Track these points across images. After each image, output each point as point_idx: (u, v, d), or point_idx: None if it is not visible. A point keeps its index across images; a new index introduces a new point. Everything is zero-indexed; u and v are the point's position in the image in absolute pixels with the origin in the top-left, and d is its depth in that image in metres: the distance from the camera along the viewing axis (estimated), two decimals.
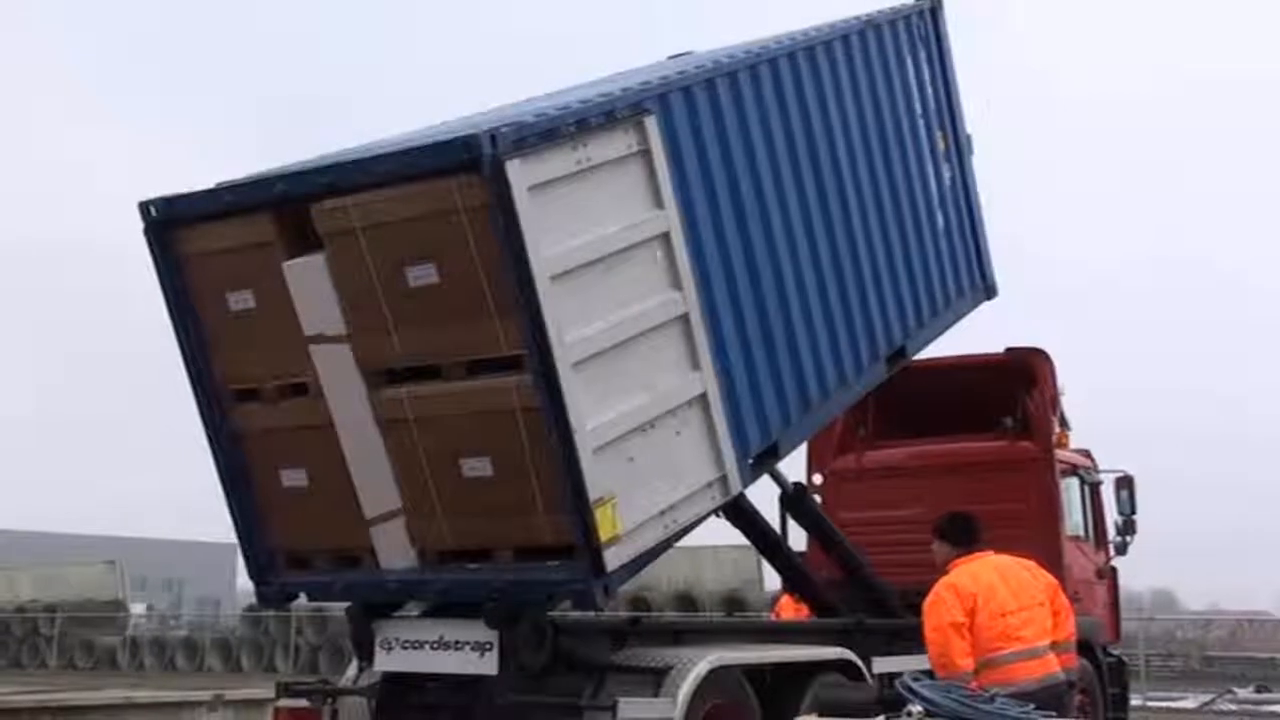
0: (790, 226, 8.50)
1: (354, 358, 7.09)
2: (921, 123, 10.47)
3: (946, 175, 10.81)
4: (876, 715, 6.13)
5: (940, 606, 6.98)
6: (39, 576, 40.91)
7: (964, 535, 7.36)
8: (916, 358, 11.44)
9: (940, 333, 10.62)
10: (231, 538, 7.93)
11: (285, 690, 8.28)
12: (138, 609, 42.22)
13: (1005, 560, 7.28)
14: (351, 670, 8.19)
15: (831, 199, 9.00)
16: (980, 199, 11.36)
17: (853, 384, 9.24)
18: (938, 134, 10.72)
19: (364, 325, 6.99)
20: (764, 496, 9.46)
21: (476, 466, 6.92)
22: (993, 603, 6.97)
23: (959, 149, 11.04)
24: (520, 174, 6.44)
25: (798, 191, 8.61)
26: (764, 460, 8.28)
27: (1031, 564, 7.40)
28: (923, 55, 10.61)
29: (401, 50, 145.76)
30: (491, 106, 9.17)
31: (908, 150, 10.18)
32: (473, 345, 6.78)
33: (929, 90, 10.66)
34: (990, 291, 11.51)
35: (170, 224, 7.45)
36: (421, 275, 6.72)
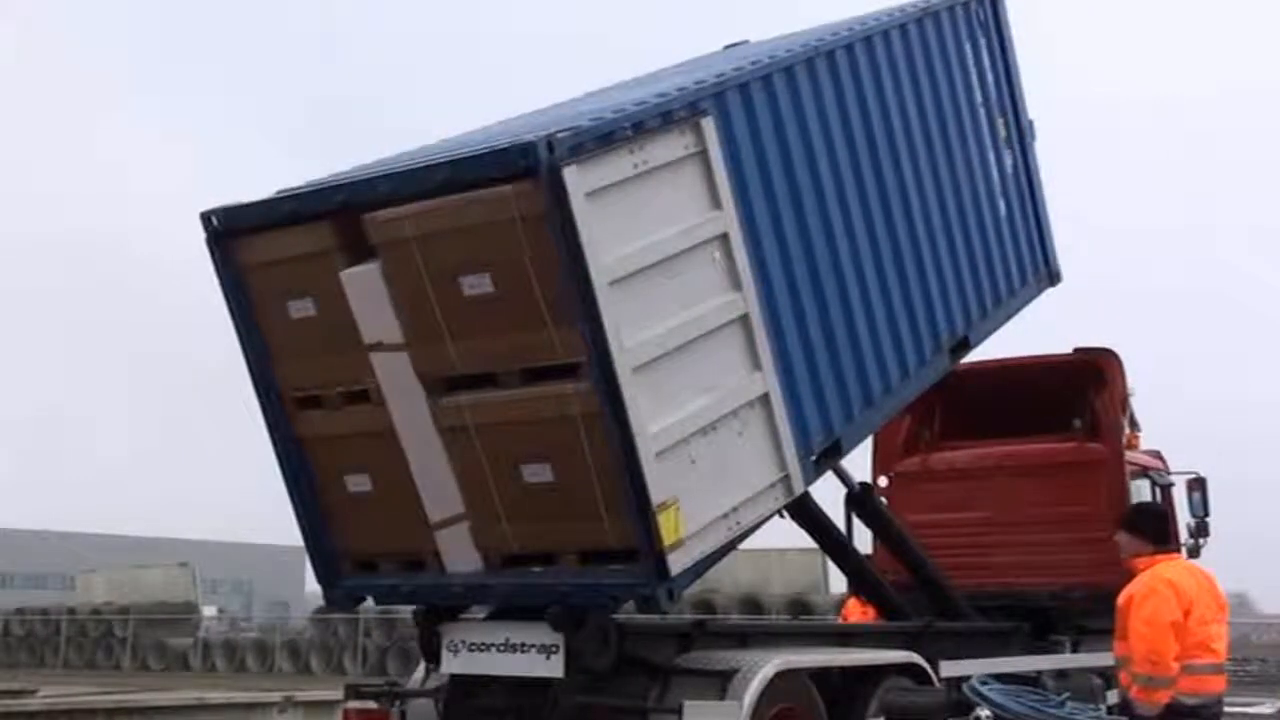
0: (850, 221, 8.40)
1: (412, 366, 7.13)
2: (982, 110, 10.30)
3: (1008, 162, 10.64)
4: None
5: (1161, 602, 6.64)
6: (114, 579, 41.72)
7: (1162, 533, 7.02)
8: (983, 358, 11.33)
9: (1004, 322, 10.45)
10: (300, 541, 8.02)
11: (354, 692, 8.35)
12: (209, 611, 42.85)
13: (1195, 566, 7.00)
14: (419, 672, 8.24)
15: (891, 191, 8.89)
16: (1043, 184, 11.18)
17: (915, 377, 9.13)
18: (999, 120, 10.54)
19: (420, 334, 7.00)
20: (830, 497, 9.43)
21: (538, 472, 6.92)
22: (1200, 608, 6.71)
23: (1021, 135, 10.86)
24: (578, 180, 6.40)
25: (857, 186, 8.51)
26: (827, 458, 8.20)
27: (1211, 575, 7.11)
28: (982, 41, 10.43)
29: (429, 50, 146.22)
30: (539, 106, 9.09)
31: (968, 138, 10.03)
32: (529, 353, 6.77)
33: (989, 76, 10.48)
34: (1054, 278, 11.31)
35: (231, 233, 7.52)
36: (476, 284, 6.71)
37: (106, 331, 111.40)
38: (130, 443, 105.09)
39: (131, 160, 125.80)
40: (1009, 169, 10.64)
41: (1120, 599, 6.82)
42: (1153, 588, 6.73)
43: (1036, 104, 11.14)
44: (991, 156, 10.37)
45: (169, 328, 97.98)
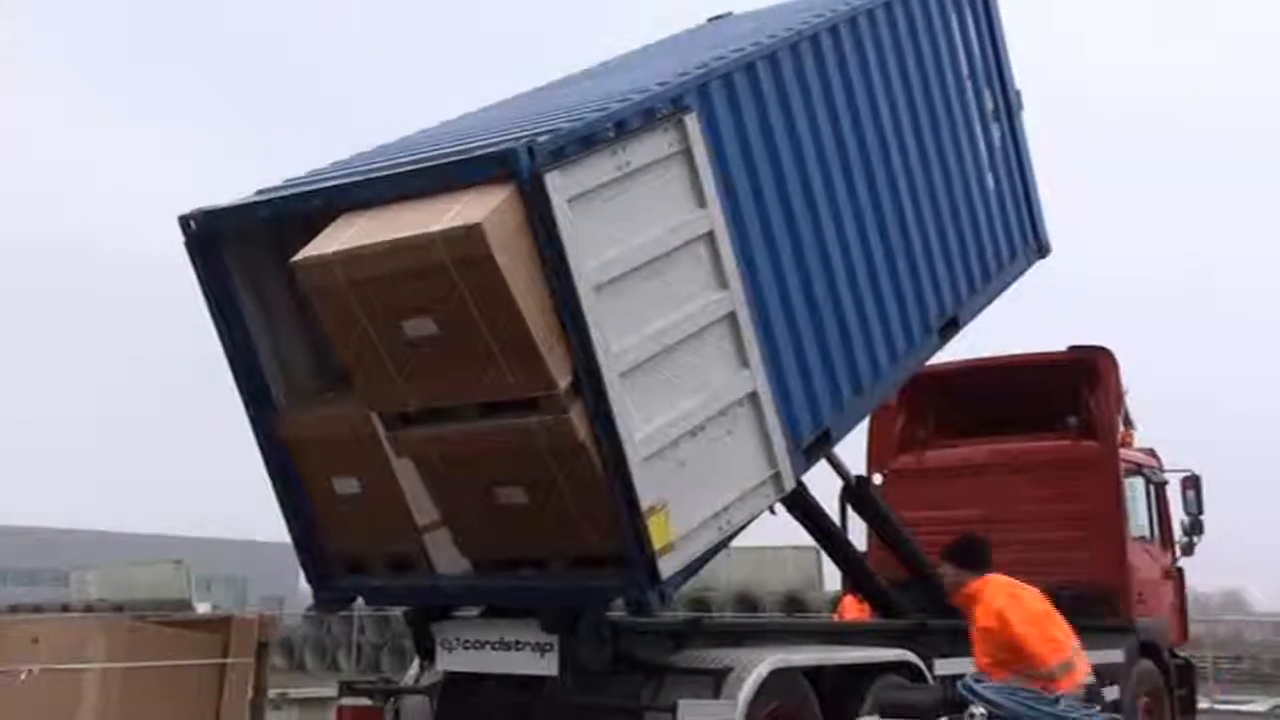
0: (837, 208, 8.31)
1: (361, 400, 7.08)
2: (969, 84, 10.17)
3: (996, 135, 10.52)
4: (939, 717, 6.08)
5: (1022, 602, 6.72)
6: (107, 576, 41.62)
7: (983, 558, 7.08)
8: (978, 356, 11.34)
9: (993, 298, 10.36)
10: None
11: (348, 689, 8.37)
12: (203, 608, 42.78)
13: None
14: (413, 669, 8.24)
15: (878, 175, 8.78)
16: (1031, 156, 11.08)
17: (904, 361, 9.06)
18: (986, 93, 10.41)
19: (366, 372, 6.87)
20: (828, 492, 9.43)
21: (511, 494, 6.86)
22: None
23: (1008, 106, 10.74)
24: (560, 185, 6.31)
25: (843, 171, 8.41)
26: (817, 448, 8.16)
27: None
28: (968, 13, 10.29)
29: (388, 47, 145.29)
30: (514, 95, 9.01)
31: (955, 114, 9.90)
32: (484, 390, 6.62)
33: (975, 49, 10.34)
34: (1043, 250, 11.24)
35: (211, 236, 7.46)
36: (419, 327, 6.51)
37: (101, 330, 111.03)
38: (118, 441, 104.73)
39: (127, 162, 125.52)
40: (996, 142, 10.52)
41: (989, 623, 6.76)
42: (1008, 594, 6.78)
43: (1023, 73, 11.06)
44: (979, 130, 10.24)
45: (163, 327, 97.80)
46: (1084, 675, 6.67)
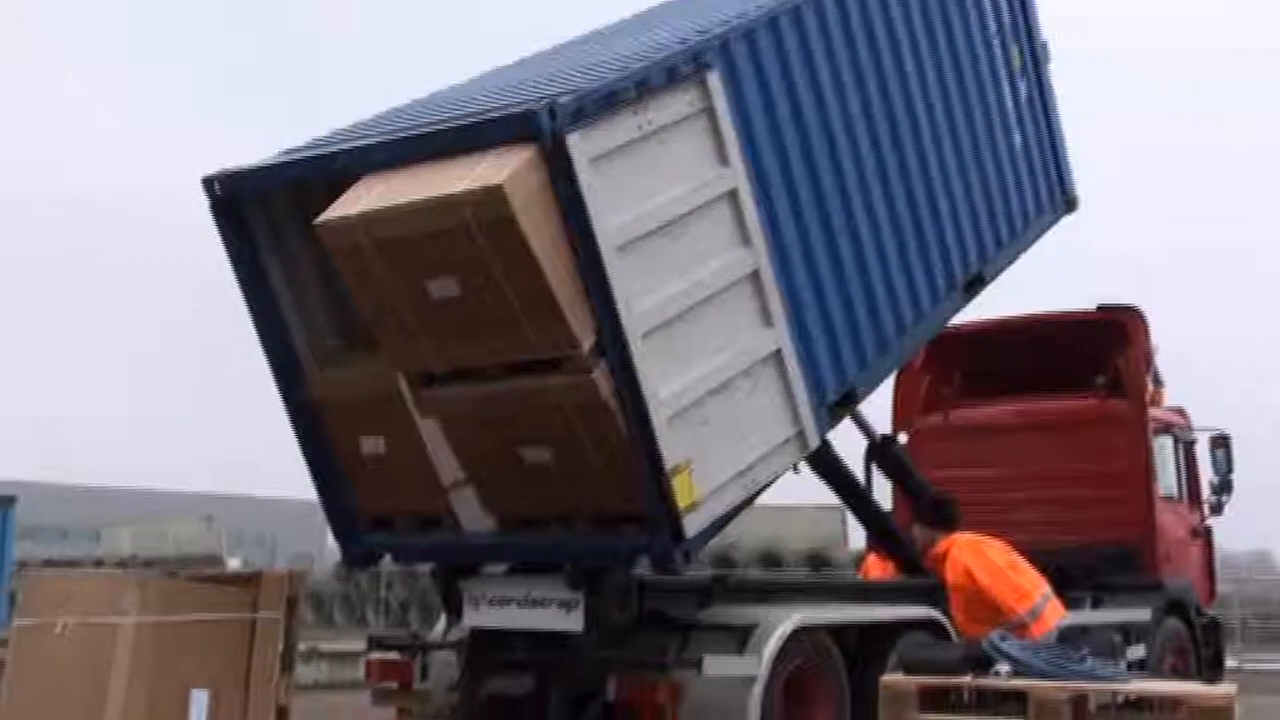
0: (861, 165, 8.23)
1: (387, 361, 7.13)
2: (996, 39, 9.99)
3: (1023, 89, 10.34)
4: (964, 674, 6.09)
5: (987, 557, 7.17)
6: (139, 532, 42.11)
7: (948, 517, 7.64)
8: (1007, 315, 11.27)
9: (1020, 254, 10.23)
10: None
11: (377, 644, 8.46)
12: (234, 564, 43.29)
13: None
14: (440, 625, 8.32)
15: (903, 132, 8.68)
16: (1058, 108, 10.89)
17: (929, 319, 9.00)
18: (1012, 48, 10.23)
19: (391, 331, 6.89)
20: (854, 451, 9.41)
21: (537, 453, 6.88)
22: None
23: (1035, 59, 10.56)
24: (582, 146, 6.29)
25: (868, 128, 8.31)
26: (841, 406, 8.12)
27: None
28: None
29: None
30: (534, 54, 8.95)
31: (981, 70, 9.74)
32: (507, 351, 6.64)
33: (1002, 2, 10.17)
34: (1071, 205, 11.07)
35: (236, 198, 7.48)
36: (443, 288, 6.51)
37: (132, 292, 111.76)
38: (153, 400, 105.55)
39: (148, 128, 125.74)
40: (1023, 97, 10.35)
41: (958, 580, 7.08)
42: (972, 550, 7.20)
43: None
44: (1006, 88, 10.08)
45: (190, 289, 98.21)
46: (1054, 620, 6.80)
